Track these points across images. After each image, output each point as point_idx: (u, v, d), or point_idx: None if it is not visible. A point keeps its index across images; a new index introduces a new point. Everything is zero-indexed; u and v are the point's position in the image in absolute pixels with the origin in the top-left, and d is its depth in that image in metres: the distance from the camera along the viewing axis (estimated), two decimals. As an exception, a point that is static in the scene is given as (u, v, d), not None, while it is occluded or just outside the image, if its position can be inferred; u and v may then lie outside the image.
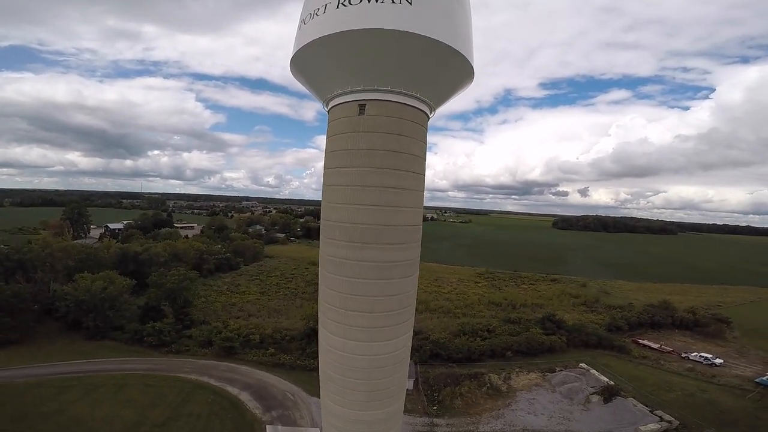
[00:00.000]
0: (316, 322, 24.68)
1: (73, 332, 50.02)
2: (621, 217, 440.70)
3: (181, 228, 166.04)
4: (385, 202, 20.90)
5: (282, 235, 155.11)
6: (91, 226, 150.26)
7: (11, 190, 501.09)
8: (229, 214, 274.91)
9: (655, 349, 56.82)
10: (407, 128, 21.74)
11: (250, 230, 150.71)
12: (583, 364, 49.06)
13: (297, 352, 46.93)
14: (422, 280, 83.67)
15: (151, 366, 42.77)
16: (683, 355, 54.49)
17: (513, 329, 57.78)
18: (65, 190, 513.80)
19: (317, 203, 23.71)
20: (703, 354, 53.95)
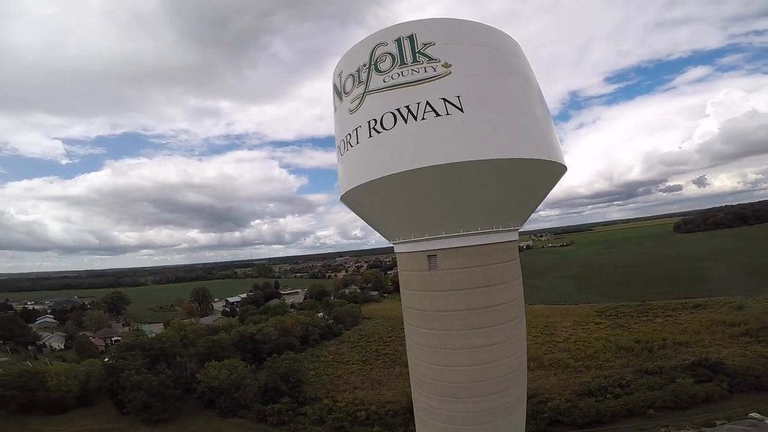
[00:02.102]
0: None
1: (209, 410, 56.71)
2: (760, 202, 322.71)
3: (287, 294, 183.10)
4: (476, 362, 17.39)
5: (375, 293, 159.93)
6: (215, 301, 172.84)
7: (153, 268, 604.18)
8: (327, 275, 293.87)
9: None
10: (496, 273, 17.26)
11: (347, 291, 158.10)
12: (755, 414, 38.93)
13: (401, 429, 46.61)
14: (530, 328, 73.78)
15: (274, 446, 46.08)
16: None
17: (653, 382, 48.33)
18: (192, 265, 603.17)
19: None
20: None
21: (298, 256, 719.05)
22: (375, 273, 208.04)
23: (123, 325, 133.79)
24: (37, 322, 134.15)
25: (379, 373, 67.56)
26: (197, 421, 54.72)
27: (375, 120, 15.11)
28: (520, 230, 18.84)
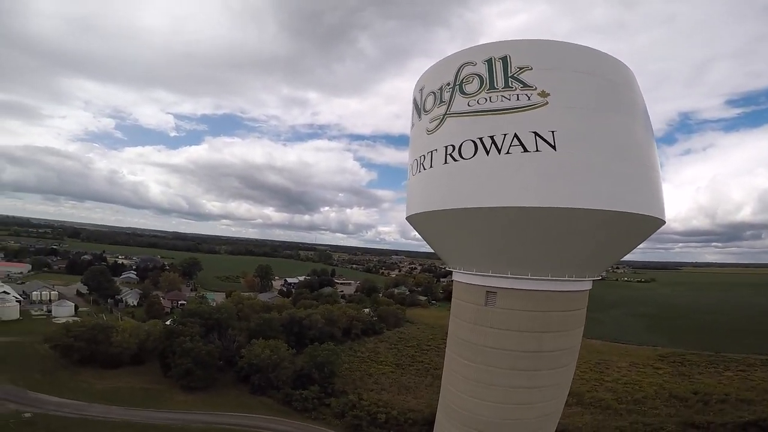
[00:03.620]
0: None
1: (243, 385, 60.25)
2: None
3: (341, 284, 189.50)
4: (513, 401, 16.75)
5: (423, 299, 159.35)
6: (275, 279, 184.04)
7: (228, 238, 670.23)
8: (380, 271, 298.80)
9: None
10: (556, 320, 16.23)
11: (396, 291, 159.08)
12: None
13: (416, 440, 46.21)
14: (580, 362, 69.46)
15: (291, 429, 48.63)
16: None
17: (694, 436, 44.28)
18: (262, 240, 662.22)
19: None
20: None
21: (357, 247, 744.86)
22: (427, 278, 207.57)
23: (191, 289, 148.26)
24: (121, 276, 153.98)
25: (410, 380, 67.45)
26: (229, 393, 58.52)
27: (453, 146, 14.21)
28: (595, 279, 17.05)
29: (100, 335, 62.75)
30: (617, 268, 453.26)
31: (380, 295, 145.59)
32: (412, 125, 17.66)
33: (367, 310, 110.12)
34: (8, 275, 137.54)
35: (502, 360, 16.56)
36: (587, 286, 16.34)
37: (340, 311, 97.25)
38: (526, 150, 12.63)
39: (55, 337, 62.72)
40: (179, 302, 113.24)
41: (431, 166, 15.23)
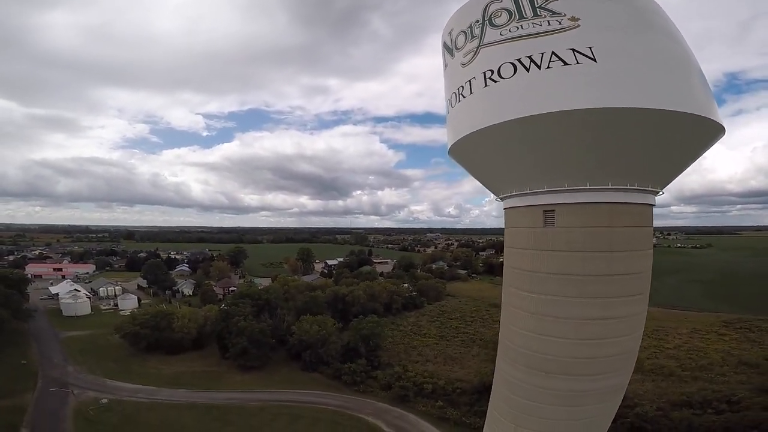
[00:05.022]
0: (490, 379, 22.01)
1: (294, 362, 62.88)
2: None
3: (378, 263, 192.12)
4: (586, 336, 15.50)
5: (463, 272, 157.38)
6: (316, 262, 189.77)
7: (269, 228, 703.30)
8: (416, 249, 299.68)
9: None
10: (623, 238, 14.97)
11: (434, 267, 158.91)
12: None
13: (465, 408, 46.92)
14: None
15: (342, 403, 50.28)
16: None
17: (771, 401, 41.91)
18: (300, 228, 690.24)
19: (497, 231, 18.68)
20: None
21: (391, 228, 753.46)
22: (465, 252, 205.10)
23: (240, 277, 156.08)
24: (176, 269, 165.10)
25: (455, 351, 67.87)
26: (281, 371, 61.23)
27: (491, 70, 14.49)
28: (658, 195, 16.28)
29: (163, 322, 67.66)
30: (668, 234, 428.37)
31: (418, 270, 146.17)
32: (445, 66, 17.60)
33: (406, 285, 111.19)
34: (77, 275, 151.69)
35: (568, 287, 15.29)
36: (651, 200, 15.49)
37: (381, 287, 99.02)
38: (566, 64, 12.85)
39: (124, 326, 68.51)
40: (230, 288, 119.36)
41: (471, 93, 15.23)
